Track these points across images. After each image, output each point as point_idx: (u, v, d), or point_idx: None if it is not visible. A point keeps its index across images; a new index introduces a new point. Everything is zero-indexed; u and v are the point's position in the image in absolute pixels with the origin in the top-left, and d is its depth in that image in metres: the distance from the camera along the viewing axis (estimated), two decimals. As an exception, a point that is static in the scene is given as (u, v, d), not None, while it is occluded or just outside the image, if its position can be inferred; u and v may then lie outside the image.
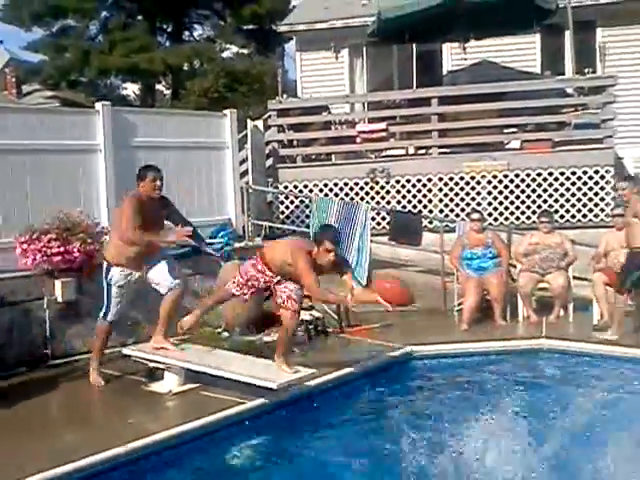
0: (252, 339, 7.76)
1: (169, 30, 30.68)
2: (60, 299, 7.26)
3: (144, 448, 4.89)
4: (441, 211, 10.76)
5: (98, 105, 8.68)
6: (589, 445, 4.54)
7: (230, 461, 5.12)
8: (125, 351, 6.67)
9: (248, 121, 11.79)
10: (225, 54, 29.58)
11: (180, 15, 29.78)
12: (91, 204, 8.22)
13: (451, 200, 10.77)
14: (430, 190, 10.83)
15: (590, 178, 10.50)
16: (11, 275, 7.05)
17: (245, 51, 30.10)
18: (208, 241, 8.80)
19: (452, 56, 13.53)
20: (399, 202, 10.92)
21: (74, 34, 28.48)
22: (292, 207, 11.16)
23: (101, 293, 6.44)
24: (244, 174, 11.21)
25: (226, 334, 7.89)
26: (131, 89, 34.33)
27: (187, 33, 31.17)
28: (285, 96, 12.11)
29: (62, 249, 7.27)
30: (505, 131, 11.40)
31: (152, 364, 6.35)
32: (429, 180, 10.83)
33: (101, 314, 6.36)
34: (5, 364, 6.80)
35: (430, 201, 10.82)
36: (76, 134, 8.29)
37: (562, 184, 10.54)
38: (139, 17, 29.34)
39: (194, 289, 8.37)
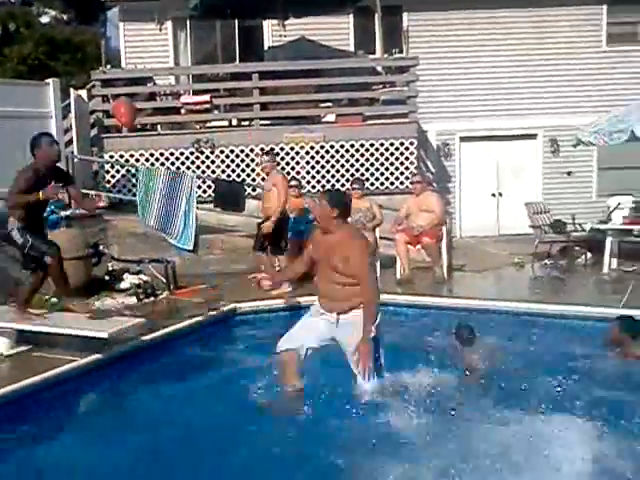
0: (83, 304, 8.02)
1: (-20, -10, 28.79)
2: None
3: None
4: (263, 179, 11.40)
5: None
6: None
7: (60, 417, 5.43)
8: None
9: (71, 90, 11.78)
10: (43, 19, 28.27)
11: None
12: None
13: (272, 169, 11.45)
14: (253, 160, 11.46)
15: (396, 149, 11.62)
16: None
17: (64, 17, 28.94)
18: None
19: (272, 32, 14.12)
20: (223, 171, 11.46)
21: None
22: (118, 176, 11.35)
23: None
24: (69, 143, 11.25)
25: (55, 300, 8.10)
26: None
27: (1, -6, 29.43)
28: (109, 67, 12.16)
29: None
30: (321, 105, 12.24)
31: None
32: (251, 150, 11.46)
33: None
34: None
35: (253, 170, 11.45)
36: None
37: (372, 154, 11.58)
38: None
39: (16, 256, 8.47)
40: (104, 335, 5.98)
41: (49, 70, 19.27)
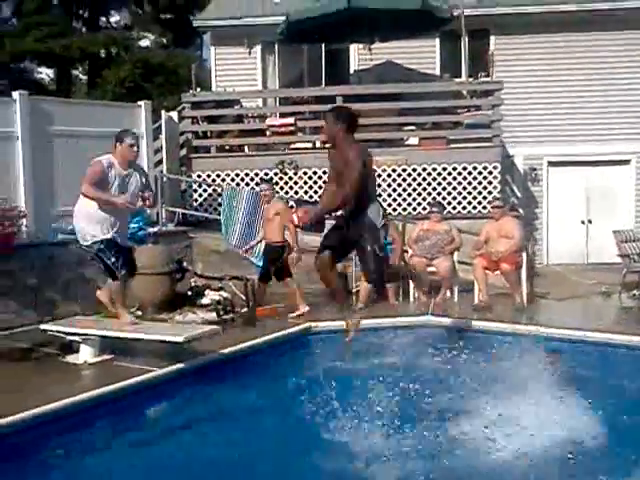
0: (164, 317, 8.33)
1: (85, 16, 30.42)
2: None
3: (63, 409, 5.41)
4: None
5: (15, 94, 9.01)
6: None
7: (139, 422, 5.68)
8: (43, 327, 7.13)
9: (163, 112, 12.26)
10: (142, 43, 29.62)
11: (97, 1, 29.59)
12: (8, 188, 8.58)
13: (354, 191, 11.55)
14: (335, 182, 11.57)
15: (479, 173, 11.51)
16: None
17: (163, 40, 30.20)
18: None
19: (359, 56, 14.30)
20: (306, 192, 11.64)
21: (-15, 16, 27.97)
22: (205, 195, 11.71)
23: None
24: (159, 163, 11.70)
25: (139, 313, 8.43)
26: (45, 73, 33.79)
27: (104, 19, 31.01)
28: (199, 89, 12.60)
29: (-19, 231, 7.67)
30: (405, 128, 12.27)
31: (69, 337, 6.83)
32: (334, 172, 11.57)
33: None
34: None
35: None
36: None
37: (454, 178, 11.51)
38: (54, 1, 28.99)
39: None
40: (180, 339, 6.21)
41: (144, 92, 20.12)
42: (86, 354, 6.70)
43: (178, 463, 4.84)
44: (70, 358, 6.74)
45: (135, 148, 6.57)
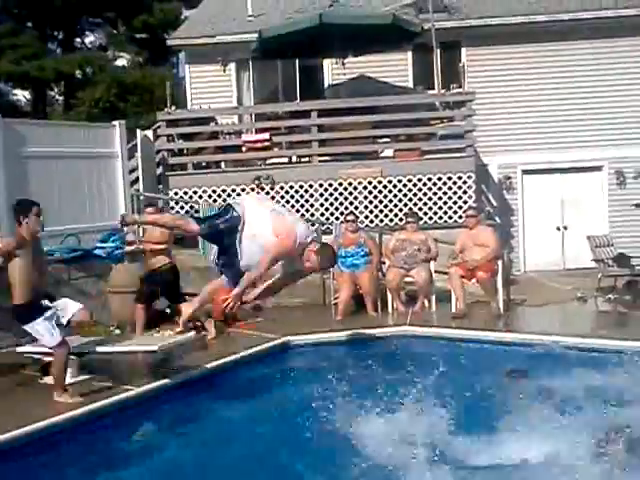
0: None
1: (60, 37, 30.43)
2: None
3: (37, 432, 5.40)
4: (322, 214, 11.61)
5: (-12, 117, 9.01)
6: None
7: (116, 442, 5.65)
8: (19, 349, 7.09)
9: (138, 131, 12.29)
10: (118, 62, 29.65)
11: (71, 22, 29.60)
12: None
13: (331, 204, 11.64)
14: (312, 195, 11.66)
15: (454, 183, 11.62)
16: None
17: (139, 59, 30.25)
18: (99, 245, 9.31)
19: (333, 70, 14.42)
20: (283, 206, 11.64)
21: (-41, 39, 27.83)
22: (182, 212, 11.70)
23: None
24: (135, 181, 11.71)
25: (118, 331, 8.42)
26: (21, 95, 33.70)
27: (78, 40, 31.04)
28: (174, 107, 12.63)
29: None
30: (379, 141, 12.39)
31: (46, 358, 6.80)
32: (310, 186, 11.67)
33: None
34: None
35: (312, 205, 11.65)
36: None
37: (430, 189, 11.61)
38: (29, 23, 28.98)
39: (86, 290, 8.88)
40: (154, 348, 6.27)
41: (120, 112, 20.14)
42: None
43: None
44: (48, 379, 6.71)
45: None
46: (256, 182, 11.72)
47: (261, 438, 5.35)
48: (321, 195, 11.67)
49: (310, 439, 5.05)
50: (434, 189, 11.61)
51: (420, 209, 11.46)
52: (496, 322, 8.69)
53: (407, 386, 5.42)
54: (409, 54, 14.26)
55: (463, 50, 14.22)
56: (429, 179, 11.62)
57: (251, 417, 5.89)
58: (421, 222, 10.80)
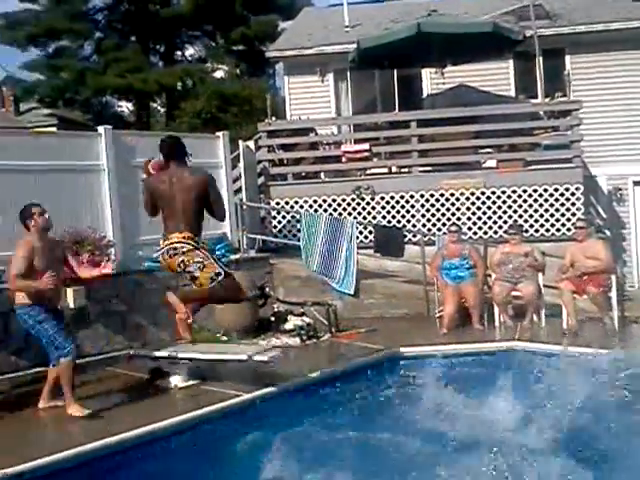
0: (248, 343, 8.40)
1: (161, 50, 31.50)
2: (72, 305, 7.89)
3: (151, 433, 5.54)
4: (423, 225, 11.47)
5: (100, 128, 9.32)
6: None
7: (228, 445, 5.71)
8: (133, 352, 7.32)
9: (240, 141, 12.49)
10: (217, 74, 30.40)
11: (172, 36, 30.62)
12: (97, 219, 8.85)
13: (432, 215, 11.48)
14: (413, 206, 11.54)
15: (561, 195, 11.24)
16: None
17: (237, 70, 30.93)
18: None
19: (431, 80, 14.28)
20: (384, 217, 11.60)
21: (69, 54, 29.24)
22: (284, 222, 11.82)
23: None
24: (238, 191, 11.90)
25: (225, 338, 8.55)
26: (126, 106, 35.06)
27: (179, 53, 32.06)
28: (274, 118, 12.79)
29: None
30: (481, 151, 12.14)
31: (157, 362, 6.98)
32: (411, 197, 11.55)
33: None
34: (22, 365, 7.43)
35: (413, 216, 11.52)
36: (82, 155, 8.92)
37: (535, 200, 11.27)
38: (132, 38, 30.14)
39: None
40: (243, 357, 6.39)
41: (220, 123, 20.61)
42: (176, 378, 6.82)
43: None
44: (160, 382, 6.88)
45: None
46: (356, 192, 11.68)
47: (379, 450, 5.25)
48: (422, 206, 11.53)
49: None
50: (540, 200, 11.27)
51: (526, 221, 11.15)
52: (611, 339, 8.31)
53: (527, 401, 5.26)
54: (510, 62, 13.97)
55: (567, 57, 13.80)
56: (534, 190, 11.28)
57: (364, 428, 5.81)
58: (527, 234, 10.55)
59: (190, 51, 32.04)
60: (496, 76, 14.04)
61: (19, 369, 7.25)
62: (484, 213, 11.38)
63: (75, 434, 5.59)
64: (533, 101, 12.97)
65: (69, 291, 7.89)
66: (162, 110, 31.81)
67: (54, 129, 18.91)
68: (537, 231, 11.18)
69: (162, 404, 6.35)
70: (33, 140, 8.75)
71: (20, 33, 28.31)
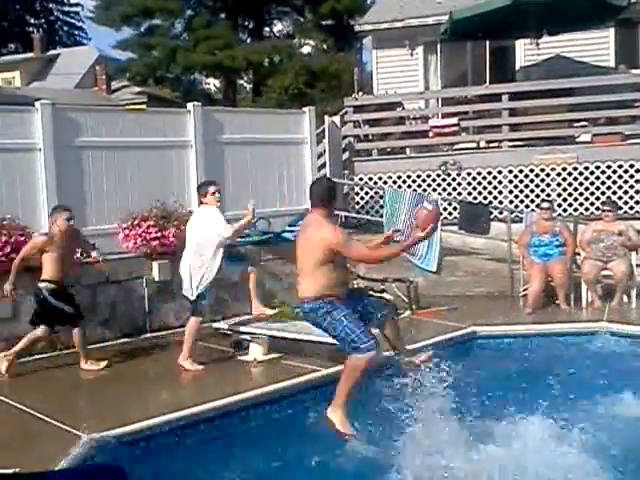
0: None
1: (250, 27, 31.76)
2: (157, 278, 8.16)
3: (234, 404, 5.63)
4: (511, 202, 11.14)
5: (190, 105, 9.48)
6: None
7: (304, 419, 5.74)
8: (215, 325, 7.46)
9: (326, 117, 12.46)
10: (304, 49, 30.41)
11: (260, 12, 30.80)
12: (183, 194, 9.04)
13: (521, 191, 11.13)
14: (500, 182, 11.22)
15: (660, 171, 10.67)
16: (114, 257, 7.94)
17: (324, 45, 30.87)
18: (288, 228, 9.55)
19: (526, 51, 13.78)
20: (470, 193, 11.35)
21: (160, 33, 29.92)
22: (367, 198, 11.75)
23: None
24: (322, 167, 11.89)
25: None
26: (212, 84, 35.63)
27: (267, 29, 32.23)
28: (361, 93, 12.67)
29: (159, 234, 8.17)
30: (575, 125, 11.65)
31: (241, 336, 7.10)
32: (499, 172, 11.23)
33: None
34: (109, 334, 7.74)
35: (500, 192, 11.21)
36: (171, 132, 9.15)
37: (632, 176, 10.75)
38: (222, 15, 30.51)
39: (274, 271, 9.17)
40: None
41: (307, 98, 20.62)
42: (256, 352, 6.91)
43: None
44: (241, 356, 6.99)
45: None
46: (442, 168, 11.47)
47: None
48: (510, 182, 11.19)
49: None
50: (637, 176, 10.74)
51: (620, 198, 10.65)
52: None
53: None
54: (611, 31, 13.29)
55: (673, 24, 13.03)
56: (631, 166, 10.75)
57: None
58: (622, 212, 10.07)
59: (278, 27, 32.20)
60: (595, 46, 13.42)
61: (105, 340, 7.57)
62: (575, 189, 10.95)
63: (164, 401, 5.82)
64: (634, 71, 12.32)
65: (154, 265, 8.16)
66: (248, 87, 32.12)
67: (144, 107, 19.38)
68: (632, 208, 10.66)
69: (244, 376, 6.46)
70: (137, 117, 9.02)
71: (115, 13, 29.16)
